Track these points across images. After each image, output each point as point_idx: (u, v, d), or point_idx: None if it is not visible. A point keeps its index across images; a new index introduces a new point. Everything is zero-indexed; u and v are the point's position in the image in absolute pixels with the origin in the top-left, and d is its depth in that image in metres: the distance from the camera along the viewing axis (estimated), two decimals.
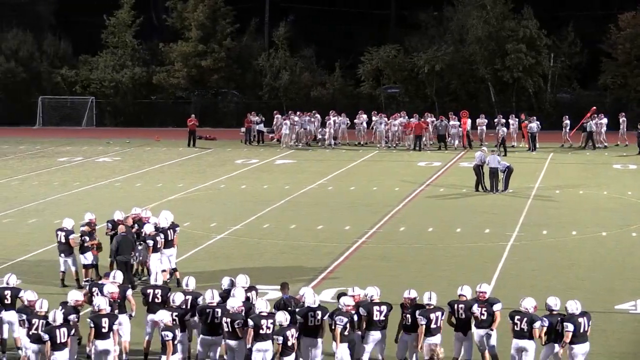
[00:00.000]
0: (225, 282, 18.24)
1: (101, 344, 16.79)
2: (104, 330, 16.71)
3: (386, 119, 51.64)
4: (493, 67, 59.34)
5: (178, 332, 16.53)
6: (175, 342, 16.33)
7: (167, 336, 16.25)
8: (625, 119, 50.41)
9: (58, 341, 16.28)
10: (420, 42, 63.26)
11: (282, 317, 16.35)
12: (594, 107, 50.83)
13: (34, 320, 16.76)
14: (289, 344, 16.17)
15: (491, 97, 60.48)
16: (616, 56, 59.78)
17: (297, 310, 17.13)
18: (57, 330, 16.31)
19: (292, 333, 16.24)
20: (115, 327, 16.88)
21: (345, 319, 16.55)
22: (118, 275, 18.82)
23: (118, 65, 65.84)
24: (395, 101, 62.52)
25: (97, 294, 17.96)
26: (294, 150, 50.18)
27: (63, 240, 23.25)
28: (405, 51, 63.27)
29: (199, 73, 63.92)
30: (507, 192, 36.22)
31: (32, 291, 17.76)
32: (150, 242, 22.70)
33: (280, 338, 16.12)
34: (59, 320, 16.43)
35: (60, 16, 72.60)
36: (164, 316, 16.54)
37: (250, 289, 18.04)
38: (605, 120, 49.94)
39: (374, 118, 51.96)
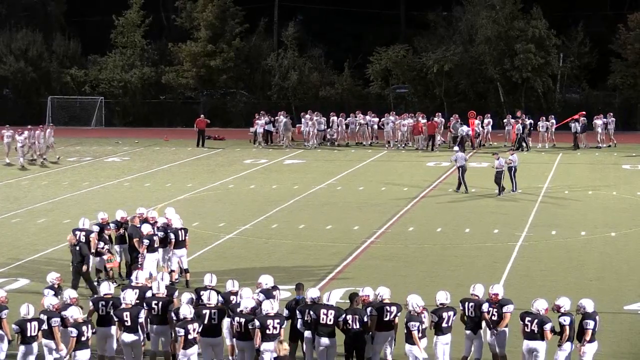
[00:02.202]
0: (229, 285, 18.21)
1: (127, 337, 17.01)
2: (127, 323, 16.92)
3: (393, 118, 51.69)
4: (502, 67, 59.24)
5: (86, 329, 16.56)
6: (83, 339, 16.39)
7: (72, 332, 16.36)
8: (614, 119, 50.41)
9: (28, 334, 16.57)
10: (429, 42, 63.27)
11: (187, 311, 16.61)
12: (584, 112, 50.67)
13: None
14: (190, 337, 16.42)
15: (500, 98, 60.41)
16: (626, 56, 59.66)
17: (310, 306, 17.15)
18: (28, 324, 16.60)
19: (194, 327, 16.47)
20: (141, 320, 17.04)
21: (418, 323, 16.56)
22: (140, 276, 18.83)
23: (127, 65, 65.91)
24: (404, 101, 62.53)
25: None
26: (302, 150, 50.21)
27: (83, 239, 23.05)
28: (414, 51, 63.27)
29: (208, 73, 63.96)
30: (512, 192, 36.11)
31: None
32: (146, 242, 22.64)
33: (182, 330, 16.37)
34: (32, 313, 16.74)
35: (69, 16, 72.82)
36: (73, 312, 16.66)
37: (273, 288, 18.04)
38: (599, 122, 49.86)
39: (355, 118, 52.16)
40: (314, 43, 67.16)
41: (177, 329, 16.58)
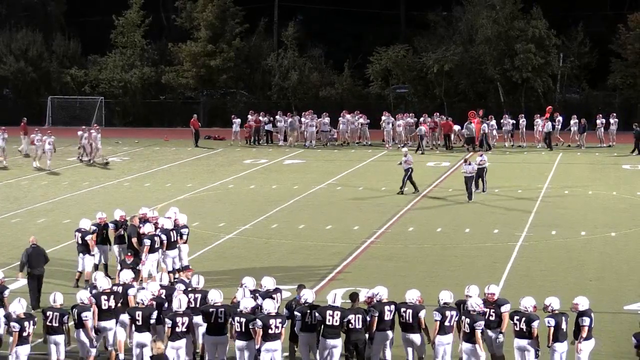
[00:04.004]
0: (249, 283, 18.16)
1: (138, 337, 17.16)
2: (138, 323, 17.09)
3: (393, 118, 51.73)
4: (502, 67, 59.22)
5: (29, 325, 16.71)
6: (24, 334, 16.58)
7: (15, 327, 16.61)
8: (617, 120, 50.44)
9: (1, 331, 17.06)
10: (430, 42, 63.26)
11: (178, 304, 16.89)
12: (550, 107, 50.98)
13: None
14: (178, 330, 16.70)
15: (500, 98, 60.40)
16: (626, 56, 59.66)
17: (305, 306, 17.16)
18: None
19: (182, 321, 16.71)
20: (152, 321, 17.17)
21: (482, 321, 16.53)
22: (122, 275, 18.92)
23: (127, 65, 65.90)
24: (404, 101, 62.52)
25: (138, 290, 18.13)
26: (302, 150, 50.22)
27: (80, 241, 23.20)
28: (414, 51, 63.25)
29: (208, 73, 63.94)
30: (482, 192, 35.99)
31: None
32: (148, 242, 22.59)
33: (170, 322, 16.69)
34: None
35: (69, 16, 72.80)
36: (16, 308, 16.85)
37: (275, 290, 18.02)
38: (573, 122, 49.96)
39: (346, 117, 52.19)
40: (314, 43, 67.14)
41: (165, 319, 16.79)
